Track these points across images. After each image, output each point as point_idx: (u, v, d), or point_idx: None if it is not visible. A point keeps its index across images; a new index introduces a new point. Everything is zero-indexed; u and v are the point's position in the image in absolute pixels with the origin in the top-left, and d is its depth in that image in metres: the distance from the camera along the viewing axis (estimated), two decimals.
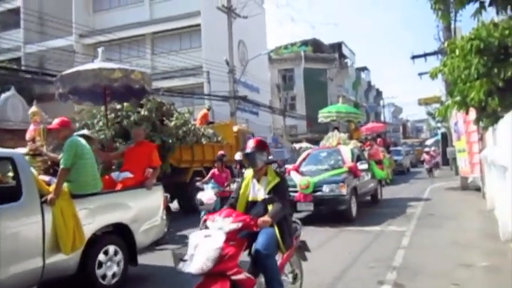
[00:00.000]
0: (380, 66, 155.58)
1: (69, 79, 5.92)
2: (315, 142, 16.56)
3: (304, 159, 10.09)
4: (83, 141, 4.60)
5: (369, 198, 10.67)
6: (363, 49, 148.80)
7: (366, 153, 11.34)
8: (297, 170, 9.40)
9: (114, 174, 5.55)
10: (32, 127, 7.05)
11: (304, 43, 38.52)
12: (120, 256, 4.65)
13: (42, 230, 3.90)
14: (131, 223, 4.83)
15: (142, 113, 8.72)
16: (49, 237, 3.93)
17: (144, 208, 5.09)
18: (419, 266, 5.06)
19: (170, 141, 8.83)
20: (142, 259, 5.23)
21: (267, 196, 3.36)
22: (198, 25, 24.18)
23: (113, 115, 8.52)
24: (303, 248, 3.82)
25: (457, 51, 5.76)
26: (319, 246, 6.34)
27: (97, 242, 4.44)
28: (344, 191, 8.18)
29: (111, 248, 4.57)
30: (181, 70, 23.11)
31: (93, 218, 4.38)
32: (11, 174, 4.75)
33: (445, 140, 21.38)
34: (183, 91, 20.85)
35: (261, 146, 3.58)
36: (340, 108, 13.79)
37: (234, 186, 6.53)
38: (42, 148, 5.77)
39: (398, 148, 26.57)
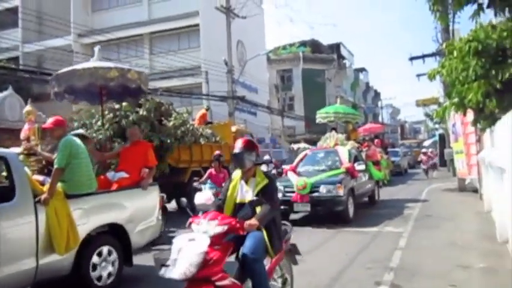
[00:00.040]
0: (378, 67, 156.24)
1: (64, 78, 5.88)
2: (313, 143, 16.56)
3: (301, 160, 10.07)
4: (77, 140, 4.56)
5: (366, 199, 10.66)
6: (361, 50, 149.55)
7: (363, 154, 11.32)
8: (294, 170, 9.38)
9: (110, 174, 5.51)
10: (26, 126, 7.01)
11: (303, 44, 38.59)
12: (114, 255, 4.61)
13: (35, 230, 3.86)
14: (126, 223, 4.79)
15: (140, 112, 8.69)
16: (43, 237, 3.90)
17: (140, 208, 5.05)
18: (417, 267, 5.05)
19: (169, 141, 8.80)
20: (138, 260, 5.19)
21: (254, 198, 3.25)
22: (197, 25, 24.19)
23: (111, 115, 8.49)
24: (294, 251, 3.71)
25: (455, 53, 5.76)
26: (316, 247, 6.33)
27: (92, 242, 4.40)
28: (341, 191, 8.16)
29: (106, 249, 4.53)
30: (180, 70, 23.12)
31: (87, 218, 4.34)
32: (4, 173, 4.70)
33: (443, 141, 21.44)
34: (182, 91, 20.84)
35: (250, 146, 3.45)
36: (338, 109, 13.77)
37: None
38: (36, 147, 5.73)
39: (396, 149, 26.60)
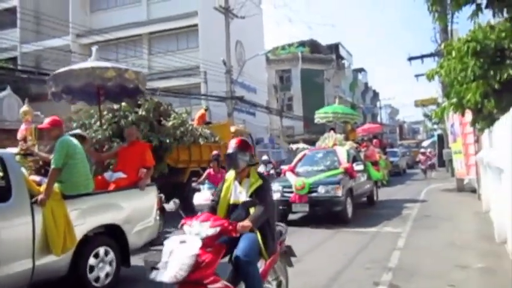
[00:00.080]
0: (377, 67, 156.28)
1: (61, 78, 5.86)
2: (312, 143, 16.55)
3: (300, 160, 10.06)
4: (74, 140, 4.54)
5: (364, 199, 10.65)
6: (360, 50, 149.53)
7: (362, 154, 11.32)
8: (292, 170, 9.37)
9: (107, 175, 5.48)
10: (23, 126, 6.99)
11: (302, 44, 38.59)
12: (112, 256, 4.59)
13: (32, 231, 3.83)
14: (124, 224, 4.77)
15: (139, 113, 8.68)
16: (39, 238, 3.87)
17: (137, 209, 5.03)
18: (415, 267, 5.04)
19: (168, 141, 8.79)
20: (136, 260, 5.17)
21: (248, 199, 3.19)
22: (195, 25, 24.17)
23: (110, 115, 8.47)
24: (289, 253, 3.65)
25: (454, 53, 5.75)
26: (315, 247, 6.32)
27: (89, 243, 4.38)
28: (339, 192, 8.15)
29: (103, 249, 4.51)
30: (179, 70, 23.08)
31: (84, 218, 4.32)
32: (0, 174, 4.67)
33: (442, 141, 21.45)
34: (180, 91, 20.81)
35: (244, 146, 3.37)
36: (336, 109, 13.77)
37: None
38: (33, 148, 5.70)
39: (395, 149, 26.64)
